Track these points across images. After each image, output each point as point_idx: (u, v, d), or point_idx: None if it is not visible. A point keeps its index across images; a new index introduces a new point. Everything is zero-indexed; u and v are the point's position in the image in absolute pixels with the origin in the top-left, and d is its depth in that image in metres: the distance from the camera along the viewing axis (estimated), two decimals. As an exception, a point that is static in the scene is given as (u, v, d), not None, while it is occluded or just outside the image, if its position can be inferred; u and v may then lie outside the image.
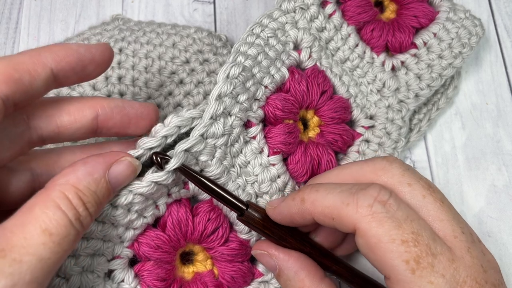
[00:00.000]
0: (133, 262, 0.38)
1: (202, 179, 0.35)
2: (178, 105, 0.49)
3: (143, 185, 0.34)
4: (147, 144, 0.34)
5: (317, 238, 0.38)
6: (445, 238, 0.31)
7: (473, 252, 0.30)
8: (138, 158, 0.34)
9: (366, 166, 0.34)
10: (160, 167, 0.34)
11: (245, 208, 0.36)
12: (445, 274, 0.29)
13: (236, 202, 0.36)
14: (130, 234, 0.36)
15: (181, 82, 0.49)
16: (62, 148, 0.37)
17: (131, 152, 0.34)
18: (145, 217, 0.36)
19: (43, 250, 0.27)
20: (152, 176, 0.34)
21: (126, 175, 0.33)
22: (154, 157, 0.34)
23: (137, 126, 0.36)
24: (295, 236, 0.36)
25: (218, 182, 0.37)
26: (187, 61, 0.50)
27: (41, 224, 0.27)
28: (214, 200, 0.39)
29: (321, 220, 0.33)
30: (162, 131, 0.35)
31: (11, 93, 0.29)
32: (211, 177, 0.37)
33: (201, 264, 0.40)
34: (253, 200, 0.40)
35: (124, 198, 0.34)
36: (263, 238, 0.40)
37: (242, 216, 0.36)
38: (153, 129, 0.35)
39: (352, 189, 0.32)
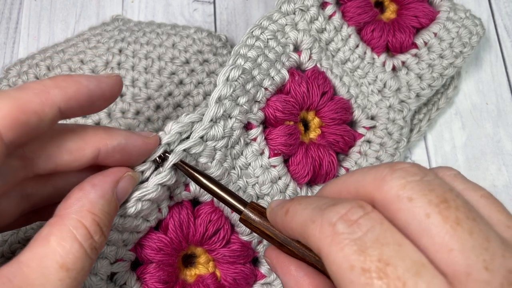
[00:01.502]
0: (135, 264, 0.38)
1: (199, 176, 0.34)
2: (178, 106, 0.49)
3: (150, 190, 0.34)
4: (152, 156, 0.34)
5: None
6: (453, 277, 0.21)
7: None
8: (144, 171, 0.34)
9: (369, 175, 0.27)
10: (161, 164, 0.35)
11: (244, 206, 0.33)
12: None
13: (233, 202, 0.34)
14: (133, 237, 0.36)
15: (181, 82, 0.49)
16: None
17: (139, 165, 0.34)
18: (148, 221, 0.37)
19: (60, 287, 0.26)
20: (157, 178, 0.34)
21: (130, 189, 0.33)
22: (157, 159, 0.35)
23: (136, 162, 0.34)
24: (301, 242, 0.31)
25: (250, 201, 0.36)
26: (187, 62, 0.50)
27: (58, 259, 0.26)
28: (215, 202, 0.39)
29: (297, 238, 0.28)
30: (164, 138, 0.35)
31: (17, 138, 0.27)
32: None
33: (203, 267, 0.40)
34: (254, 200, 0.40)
35: (134, 209, 0.34)
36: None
37: (241, 216, 0.33)
38: None
39: (325, 204, 0.26)
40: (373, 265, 0.22)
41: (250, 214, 0.33)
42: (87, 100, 0.30)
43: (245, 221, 0.33)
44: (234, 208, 0.34)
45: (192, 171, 0.35)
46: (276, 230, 0.31)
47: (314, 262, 0.30)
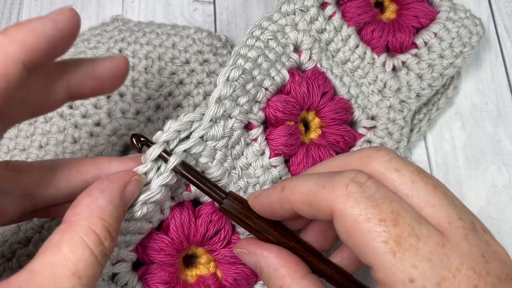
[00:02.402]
0: (137, 265, 0.38)
1: (181, 169, 0.35)
2: (178, 106, 0.49)
3: (155, 193, 0.34)
4: (153, 154, 0.34)
5: (305, 237, 0.36)
6: (438, 225, 0.28)
7: (472, 240, 0.27)
8: (147, 172, 0.34)
9: (354, 156, 0.32)
10: (139, 151, 0.35)
11: (224, 197, 0.35)
12: (432, 258, 0.26)
13: (213, 192, 0.35)
14: (135, 238, 0.36)
15: (181, 82, 0.49)
16: (55, 164, 0.34)
17: (141, 167, 0.34)
18: (151, 222, 0.37)
19: None
20: (159, 180, 0.34)
21: (136, 193, 0.33)
22: (134, 139, 0.35)
23: (112, 87, 0.33)
24: (278, 229, 0.35)
25: (219, 184, 0.37)
26: (187, 62, 0.50)
27: (70, 266, 0.27)
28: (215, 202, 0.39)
29: (299, 208, 0.31)
30: (162, 136, 0.35)
31: None
32: (211, 179, 0.37)
33: (204, 267, 0.40)
34: None
35: (140, 212, 0.34)
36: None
37: (222, 205, 0.35)
38: (154, 136, 0.35)
39: (330, 173, 0.30)
40: (388, 216, 0.27)
41: (230, 204, 0.35)
42: (49, 47, 0.28)
43: (225, 210, 0.35)
44: (214, 198, 0.35)
45: (177, 165, 0.35)
46: (254, 219, 0.35)
47: (288, 248, 0.34)
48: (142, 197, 0.34)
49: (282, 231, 0.35)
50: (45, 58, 0.28)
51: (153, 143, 0.35)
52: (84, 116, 0.47)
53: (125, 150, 0.48)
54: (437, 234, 0.27)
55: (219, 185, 0.37)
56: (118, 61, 0.32)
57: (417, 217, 0.28)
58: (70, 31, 0.29)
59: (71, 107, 0.48)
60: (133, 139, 0.35)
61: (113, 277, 0.37)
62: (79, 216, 0.28)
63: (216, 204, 0.37)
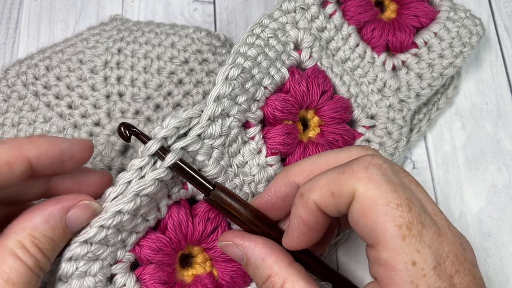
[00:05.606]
0: (134, 266, 0.38)
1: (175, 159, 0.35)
2: (177, 105, 0.49)
3: (148, 185, 0.33)
4: (152, 149, 0.34)
5: (285, 227, 0.37)
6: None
7: (453, 230, 0.31)
8: (143, 167, 0.34)
9: (343, 153, 0.34)
10: (127, 140, 0.34)
11: (211, 188, 0.35)
12: (431, 246, 0.29)
13: (203, 182, 0.35)
14: (132, 238, 0.36)
15: (180, 82, 0.49)
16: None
17: (137, 161, 0.34)
18: (147, 220, 0.36)
19: None
20: (153, 173, 0.34)
21: (84, 219, 0.33)
22: (122, 128, 0.34)
23: (71, 167, 0.35)
24: (262, 220, 0.36)
25: (214, 182, 0.37)
26: (186, 61, 0.50)
27: (2, 274, 0.28)
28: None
29: (322, 203, 0.31)
30: (161, 132, 0.34)
31: None
32: (208, 177, 0.37)
33: (200, 267, 0.40)
34: (249, 200, 0.40)
35: (133, 204, 0.33)
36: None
37: (209, 196, 0.35)
38: (152, 131, 0.35)
39: (345, 163, 0.32)
40: (403, 202, 0.29)
41: (217, 195, 0.35)
42: (58, 159, 0.33)
43: (211, 201, 0.35)
44: (203, 188, 0.35)
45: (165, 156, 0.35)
46: (240, 210, 0.35)
47: (271, 238, 0.35)
48: (135, 188, 0.33)
49: (266, 222, 0.36)
50: (51, 169, 0.33)
51: (145, 135, 0.35)
52: (83, 116, 0.47)
53: (124, 150, 0.47)
54: (434, 223, 0.30)
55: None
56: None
57: (421, 205, 0.30)
58: (80, 156, 0.34)
59: (70, 107, 0.48)
60: (121, 128, 0.35)
61: (111, 278, 0.36)
62: (12, 231, 0.30)
63: (203, 196, 0.37)
